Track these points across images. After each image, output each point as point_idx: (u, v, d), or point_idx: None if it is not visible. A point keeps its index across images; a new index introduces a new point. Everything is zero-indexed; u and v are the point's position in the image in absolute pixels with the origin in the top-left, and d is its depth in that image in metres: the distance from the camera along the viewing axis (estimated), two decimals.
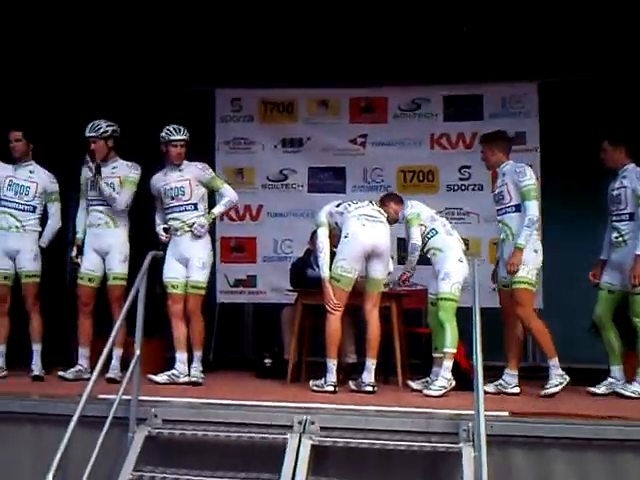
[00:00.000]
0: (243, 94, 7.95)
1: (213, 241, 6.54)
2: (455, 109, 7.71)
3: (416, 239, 5.83)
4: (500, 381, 5.57)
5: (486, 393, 5.08)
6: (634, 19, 6.73)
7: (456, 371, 5.52)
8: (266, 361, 6.43)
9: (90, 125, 5.94)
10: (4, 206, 6.02)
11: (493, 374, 5.43)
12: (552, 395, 5.33)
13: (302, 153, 7.87)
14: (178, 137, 5.93)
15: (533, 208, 5.45)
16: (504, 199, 5.62)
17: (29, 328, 5.95)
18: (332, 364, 5.49)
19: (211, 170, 6.11)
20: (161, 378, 5.62)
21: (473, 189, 7.43)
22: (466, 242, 6.47)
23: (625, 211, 5.58)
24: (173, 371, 5.72)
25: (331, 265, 5.56)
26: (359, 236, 5.51)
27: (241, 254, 7.81)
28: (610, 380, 5.48)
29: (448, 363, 5.48)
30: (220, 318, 7.45)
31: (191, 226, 5.83)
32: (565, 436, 4.39)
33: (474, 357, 4.40)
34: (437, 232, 5.83)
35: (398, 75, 7.59)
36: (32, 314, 5.96)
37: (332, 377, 5.46)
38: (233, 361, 5.96)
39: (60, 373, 5.77)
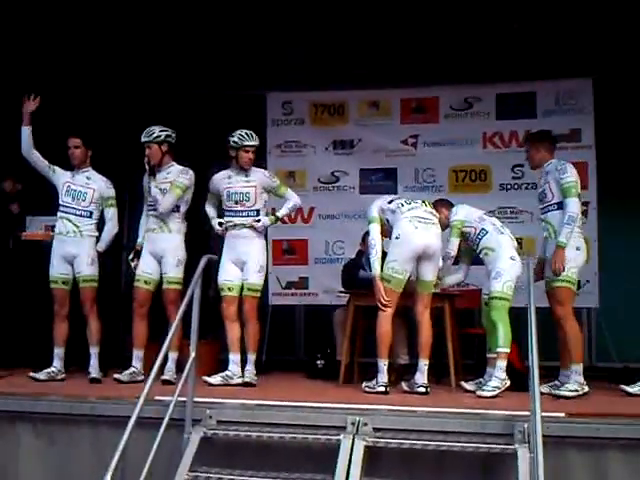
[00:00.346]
0: (294, 97, 8.00)
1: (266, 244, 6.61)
2: (508, 107, 7.63)
3: (451, 249, 5.83)
4: (556, 382, 5.50)
5: (542, 394, 5.11)
6: None
7: (510, 371, 5.45)
8: (318, 362, 6.45)
9: (145, 131, 6.07)
10: (62, 212, 6.15)
11: (549, 375, 5.35)
12: (565, 398, 5.21)
13: (353, 155, 7.88)
14: (251, 143, 6.01)
15: (573, 205, 5.39)
16: (546, 197, 5.57)
17: (87, 332, 6.08)
18: (383, 364, 5.48)
19: (276, 177, 6.18)
20: (215, 380, 5.68)
21: (526, 188, 7.32)
22: (520, 241, 6.41)
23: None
24: (227, 372, 5.78)
25: (382, 264, 5.54)
26: (411, 238, 5.50)
27: (293, 256, 7.86)
28: None
29: (502, 363, 5.42)
30: (272, 320, 7.49)
31: (251, 227, 5.91)
32: (622, 437, 4.32)
33: (530, 357, 4.34)
34: (487, 232, 5.78)
35: (449, 74, 7.55)
36: (90, 318, 6.08)
37: (383, 378, 5.45)
38: (285, 363, 6.00)
39: (115, 376, 5.87)
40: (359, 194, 7.79)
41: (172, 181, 6.03)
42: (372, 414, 4.62)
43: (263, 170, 6.13)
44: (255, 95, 7.89)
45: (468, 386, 5.61)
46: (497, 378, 5.38)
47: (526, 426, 4.26)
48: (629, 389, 5.30)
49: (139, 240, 6.18)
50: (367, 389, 5.47)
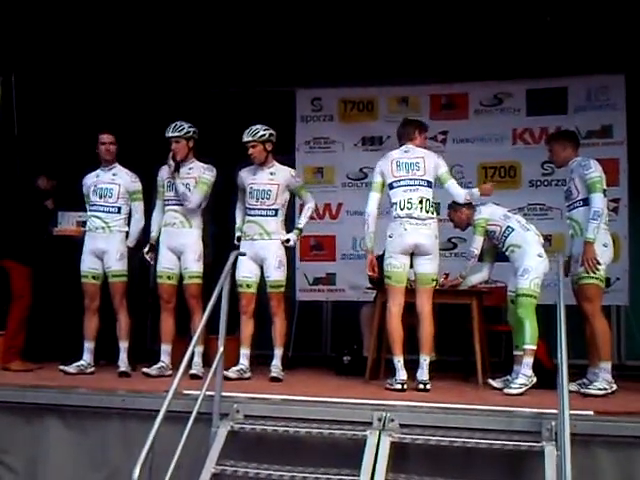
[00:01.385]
0: (323, 94, 8.00)
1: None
2: (538, 103, 7.56)
3: (475, 247, 5.81)
4: (584, 380, 5.47)
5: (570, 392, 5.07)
6: None
7: (538, 369, 5.42)
8: (345, 358, 6.45)
9: (173, 125, 6.10)
10: (92, 210, 6.25)
11: (577, 372, 5.31)
12: (593, 396, 5.17)
13: (382, 151, 7.80)
14: (247, 139, 6.05)
15: (598, 201, 5.35)
16: (572, 194, 5.54)
17: (116, 326, 6.16)
18: (397, 361, 5.47)
19: (301, 177, 6.18)
20: (233, 374, 5.73)
21: (556, 184, 7.22)
22: (548, 238, 6.37)
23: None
24: (241, 367, 5.84)
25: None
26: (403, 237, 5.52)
27: (320, 252, 7.86)
28: None
29: (528, 360, 5.39)
30: (299, 316, 7.51)
31: (269, 234, 5.94)
32: None
33: (558, 355, 4.31)
34: (513, 229, 5.76)
35: (479, 70, 7.51)
36: (119, 312, 6.16)
37: (401, 375, 5.44)
38: (312, 358, 6.02)
39: (144, 370, 5.95)
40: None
41: (197, 178, 6.09)
42: (399, 410, 4.63)
43: (289, 169, 6.14)
44: (284, 92, 7.91)
45: (495, 383, 5.59)
46: (524, 375, 5.36)
47: (554, 424, 4.23)
48: None
49: (153, 234, 6.21)
50: (387, 386, 5.47)
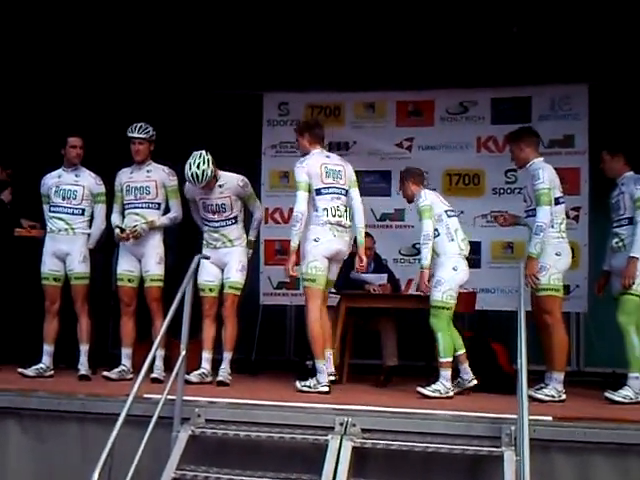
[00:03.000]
0: (290, 98, 7.98)
1: (259, 243, 6.65)
2: (503, 112, 7.63)
3: (427, 230, 5.65)
4: (541, 385, 5.50)
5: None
6: None
7: (499, 374, 5.47)
8: (308, 363, 6.40)
9: (138, 126, 6.05)
10: (54, 211, 6.17)
11: (537, 378, 5.37)
12: (538, 401, 5.22)
13: (348, 157, 7.78)
14: (134, 135, 6.02)
15: (541, 214, 5.39)
16: (526, 201, 5.62)
17: (77, 329, 6.09)
18: (322, 364, 5.48)
19: (250, 186, 6.14)
20: (194, 378, 5.71)
21: (519, 192, 7.24)
22: (511, 245, 6.44)
23: (624, 216, 5.61)
24: (202, 370, 5.83)
25: None
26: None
27: (285, 256, 7.79)
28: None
29: (445, 372, 5.44)
30: (263, 320, 7.51)
31: (232, 241, 5.96)
32: (608, 441, 4.33)
33: (518, 361, 4.36)
34: (439, 234, 5.72)
35: (445, 78, 7.56)
36: (80, 315, 6.10)
37: (323, 378, 5.45)
38: (275, 363, 6.00)
39: (104, 373, 5.90)
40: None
41: (158, 181, 6.07)
42: (361, 415, 4.63)
43: (237, 177, 6.03)
44: (252, 95, 7.89)
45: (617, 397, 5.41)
46: (442, 384, 5.42)
47: (513, 429, 4.26)
48: (614, 397, 5.29)
49: (118, 223, 6.07)
50: (304, 389, 5.44)
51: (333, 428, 4.51)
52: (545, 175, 5.49)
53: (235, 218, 6.00)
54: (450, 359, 5.46)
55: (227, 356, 5.90)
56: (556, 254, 5.41)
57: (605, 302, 5.61)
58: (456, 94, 7.73)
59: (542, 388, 5.41)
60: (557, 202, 5.52)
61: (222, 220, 5.97)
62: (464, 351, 5.61)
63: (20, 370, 5.95)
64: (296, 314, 8.06)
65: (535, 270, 5.33)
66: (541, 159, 5.69)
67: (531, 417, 4.14)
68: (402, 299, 6.29)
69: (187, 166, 5.69)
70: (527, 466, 3.86)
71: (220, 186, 5.90)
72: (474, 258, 6.02)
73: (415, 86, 7.71)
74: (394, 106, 7.87)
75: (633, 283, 5.38)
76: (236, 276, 5.95)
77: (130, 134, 6.04)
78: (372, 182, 7.76)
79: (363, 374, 5.84)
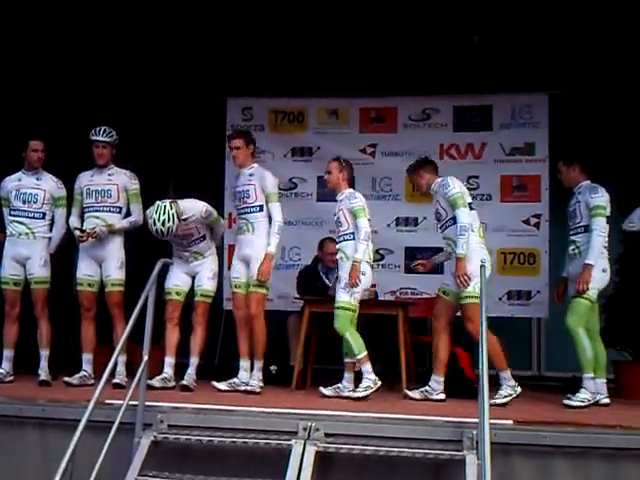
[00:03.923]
0: (254, 103, 8.01)
1: (222, 248, 6.63)
2: (465, 119, 7.74)
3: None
4: (426, 387, 5.60)
5: (411, 399, 5.43)
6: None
7: (461, 379, 5.51)
8: (272, 368, 6.44)
9: (101, 130, 5.99)
10: (14, 215, 6.08)
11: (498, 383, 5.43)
12: (500, 405, 5.30)
13: (312, 162, 7.90)
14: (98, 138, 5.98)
15: (462, 216, 5.50)
16: (441, 216, 5.70)
17: (37, 334, 6.01)
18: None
19: (213, 212, 6.03)
20: (157, 382, 5.67)
21: (481, 199, 7.41)
22: None
23: (580, 224, 5.71)
24: (164, 375, 5.80)
25: None
26: None
27: None
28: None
29: (366, 367, 5.52)
30: (226, 325, 7.46)
31: (203, 254, 5.97)
32: (568, 444, 4.39)
33: (480, 365, 4.41)
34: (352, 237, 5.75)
35: (408, 85, 7.64)
36: (40, 320, 6.01)
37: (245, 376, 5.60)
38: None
39: (65, 379, 5.83)
40: (316, 201, 7.82)
41: (120, 185, 6.01)
42: (324, 420, 4.63)
43: (199, 207, 5.92)
44: (215, 100, 7.88)
45: (412, 394, 5.62)
46: (368, 379, 5.50)
47: (475, 433, 4.30)
48: (572, 403, 5.38)
49: (77, 225, 6.00)
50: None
51: (297, 433, 4.51)
52: (454, 182, 5.64)
53: (203, 237, 6.00)
54: (364, 354, 5.52)
55: (194, 361, 5.87)
56: (481, 261, 5.35)
57: (565, 307, 5.69)
58: (418, 101, 7.81)
59: (498, 391, 5.47)
60: (470, 208, 5.65)
61: (191, 241, 5.97)
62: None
63: None
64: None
65: (464, 270, 5.42)
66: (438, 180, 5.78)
67: (492, 421, 4.18)
68: (364, 305, 6.29)
69: (151, 220, 5.59)
70: (488, 469, 3.89)
71: (185, 219, 5.79)
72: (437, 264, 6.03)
73: (378, 93, 7.77)
74: (357, 112, 7.94)
75: (587, 289, 5.49)
76: (208, 284, 5.94)
77: (94, 137, 5.98)
78: None
79: (327, 379, 5.84)
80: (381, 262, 7.47)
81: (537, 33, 7.12)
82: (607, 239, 5.66)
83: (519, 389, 5.42)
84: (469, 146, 7.66)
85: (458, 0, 6.80)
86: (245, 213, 5.86)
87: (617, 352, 6.24)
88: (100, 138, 5.98)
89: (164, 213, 5.54)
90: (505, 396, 5.38)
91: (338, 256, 5.72)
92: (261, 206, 5.83)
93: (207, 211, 5.89)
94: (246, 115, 8.02)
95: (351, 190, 5.85)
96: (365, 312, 5.83)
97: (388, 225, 7.60)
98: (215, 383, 5.70)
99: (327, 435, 4.52)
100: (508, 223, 7.22)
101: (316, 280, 6.76)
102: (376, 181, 7.77)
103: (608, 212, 5.65)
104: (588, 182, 5.81)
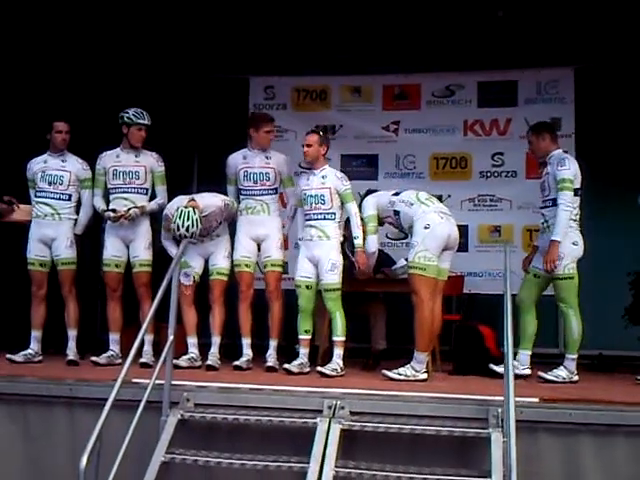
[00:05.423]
0: (276, 82, 7.97)
1: None
2: (489, 95, 7.64)
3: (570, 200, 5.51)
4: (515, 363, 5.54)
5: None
6: None
7: (486, 357, 5.50)
8: (297, 347, 6.45)
9: (143, 113, 6.02)
10: (40, 196, 6.13)
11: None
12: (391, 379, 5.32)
13: (335, 140, 7.73)
14: (144, 121, 6.02)
15: (564, 200, 5.45)
16: (544, 192, 5.68)
17: (65, 314, 6.07)
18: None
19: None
20: (184, 362, 5.72)
21: (506, 176, 7.36)
22: (498, 229, 6.43)
23: (549, 197, 5.61)
24: (191, 355, 5.85)
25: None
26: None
27: None
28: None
29: (339, 351, 5.57)
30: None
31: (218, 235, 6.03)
32: (593, 422, 4.37)
33: (505, 343, 4.40)
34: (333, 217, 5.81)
35: (432, 61, 7.57)
36: (68, 300, 6.07)
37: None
38: (264, 347, 6.00)
39: (93, 358, 5.89)
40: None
41: (147, 167, 6.06)
42: (349, 398, 4.65)
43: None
44: (238, 79, 7.87)
45: (391, 374, 5.48)
46: (336, 362, 5.53)
47: (500, 411, 4.29)
48: (546, 376, 5.34)
49: (103, 207, 6.05)
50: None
51: (322, 411, 4.53)
52: (571, 164, 5.54)
53: (220, 222, 6.02)
54: (344, 339, 5.60)
55: (216, 341, 5.90)
56: (424, 227, 5.42)
57: (594, 285, 5.61)
58: (442, 78, 7.73)
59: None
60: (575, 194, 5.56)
61: (211, 231, 5.98)
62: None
63: (8, 356, 5.93)
64: (285, 299, 8.07)
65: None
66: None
67: (518, 399, 4.18)
68: (392, 283, 6.30)
69: (174, 225, 5.61)
70: (513, 447, 3.90)
71: (205, 216, 5.79)
72: (461, 241, 5.99)
73: (401, 70, 7.72)
74: (380, 90, 7.87)
75: (555, 267, 5.40)
76: (223, 262, 5.97)
77: (137, 120, 6.00)
78: (359, 166, 7.78)
79: (352, 358, 5.86)
80: (405, 240, 7.43)
81: (562, 6, 7.01)
82: (578, 211, 5.57)
83: (422, 376, 5.36)
84: (494, 122, 7.57)
85: None
86: (262, 195, 5.96)
87: None
88: (144, 121, 6.01)
89: (188, 219, 5.58)
90: (400, 374, 5.34)
91: (316, 235, 5.71)
92: (276, 188, 6.03)
93: (226, 205, 5.95)
94: (269, 94, 7.99)
95: (341, 173, 5.95)
96: (394, 291, 5.80)
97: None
98: (175, 361, 5.43)
99: (352, 413, 4.54)
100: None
101: (344, 259, 6.74)
102: (400, 159, 7.72)
103: (577, 184, 5.52)
104: (559, 151, 5.69)
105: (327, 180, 5.80)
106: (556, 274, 5.43)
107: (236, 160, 6.15)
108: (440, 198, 6.75)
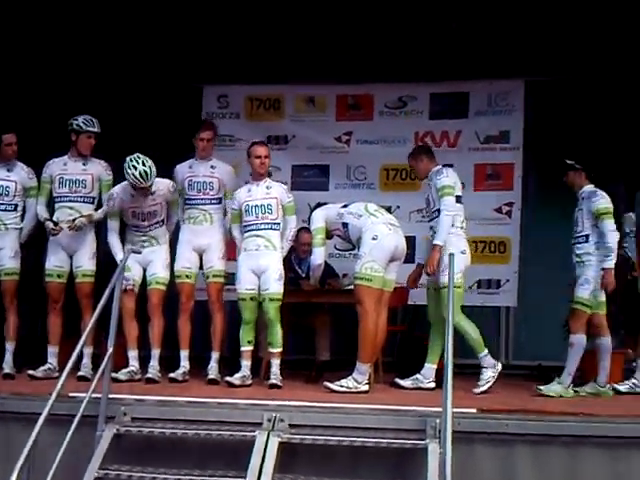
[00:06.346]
0: (230, 91, 7.93)
1: None
2: (441, 107, 7.66)
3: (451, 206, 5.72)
4: (417, 375, 5.63)
5: (403, 388, 5.46)
6: (619, 19, 6.73)
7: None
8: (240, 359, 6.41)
9: (93, 120, 5.97)
10: None
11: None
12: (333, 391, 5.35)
13: (287, 150, 7.84)
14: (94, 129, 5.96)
15: (446, 205, 5.63)
16: (429, 205, 5.88)
17: (4, 326, 5.98)
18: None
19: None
20: (123, 375, 5.67)
21: None
22: None
23: (434, 208, 5.79)
24: (131, 368, 5.79)
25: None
26: (387, 240, 5.52)
27: None
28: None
29: (278, 361, 5.60)
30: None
31: (157, 239, 5.99)
32: (530, 432, 4.41)
33: (445, 355, 4.42)
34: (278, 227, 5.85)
35: (385, 72, 7.58)
36: (8, 312, 5.98)
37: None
38: (206, 359, 5.95)
39: (30, 372, 5.79)
40: (291, 190, 7.75)
41: (95, 175, 5.99)
42: (290, 410, 4.64)
43: (167, 181, 6.01)
44: (192, 88, 7.81)
45: (403, 382, 5.64)
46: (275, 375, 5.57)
47: (438, 422, 4.31)
48: (480, 389, 5.43)
49: (47, 216, 5.96)
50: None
51: (261, 424, 4.51)
52: (448, 172, 5.79)
53: (163, 221, 6.00)
54: (279, 350, 5.63)
55: (155, 353, 5.85)
56: (373, 238, 5.49)
57: (533, 297, 5.69)
58: (395, 88, 7.74)
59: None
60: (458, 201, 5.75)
61: (152, 224, 5.95)
62: None
63: None
64: (230, 310, 8.03)
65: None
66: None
67: (455, 410, 4.20)
68: (337, 294, 6.30)
69: (130, 169, 5.57)
70: (449, 458, 3.91)
71: (153, 193, 5.82)
72: (408, 253, 6.00)
73: (355, 80, 7.71)
74: (334, 100, 7.86)
75: (434, 270, 5.52)
76: (161, 272, 5.92)
77: (87, 127, 5.94)
78: (310, 176, 7.76)
79: (296, 369, 5.85)
80: (353, 251, 7.44)
81: (514, 20, 7.08)
82: (463, 219, 5.72)
83: (363, 388, 5.38)
84: (444, 134, 7.60)
85: None
86: (205, 204, 5.93)
87: None
88: (93, 129, 5.95)
89: (141, 158, 5.59)
90: (342, 386, 5.36)
91: (263, 244, 5.70)
92: (220, 198, 6.00)
93: (173, 186, 5.95)
94: (222, 103, 7.95)
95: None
96: (338, 302, 5.80)
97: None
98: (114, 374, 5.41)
99: (291, 426, 4.52)
100: (480, 211, 7.16)
101: (289, 271, 6.72)
102: (351, 170, 7.71)
103: (457, 191, 5.71)
104: (438, 167, 5.85)
105: (272, 191, 5.81)
106: (444, 283, 5.47)
107: (183, 169, 6.13)
108: (389, 209, 6.80)
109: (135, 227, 5.97)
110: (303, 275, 6.56)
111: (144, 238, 5.95)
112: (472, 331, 5.50)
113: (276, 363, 5.62)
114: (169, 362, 5.94)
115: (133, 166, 5.57)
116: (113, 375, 5.24)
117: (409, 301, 6.72)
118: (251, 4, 7.06)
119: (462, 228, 5.72)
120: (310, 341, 6.38)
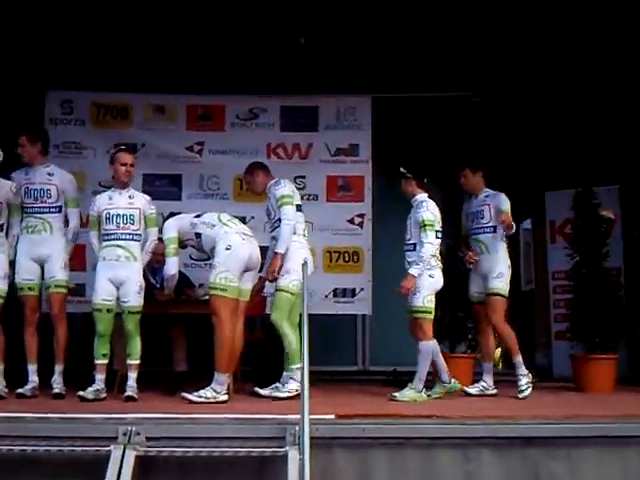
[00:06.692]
0: (74, 96, 7.71)
1: None
2: (292, 120, 7.82)
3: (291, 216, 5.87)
4: (276, 384, 5.71)
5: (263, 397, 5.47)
6: (464, 36, 7.12)
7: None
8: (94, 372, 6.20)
9: None
10: None
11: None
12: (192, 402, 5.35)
13: (137, 159, 7.56)
14: None
15: (286, 214, 5.84)
16: (270, 215, 6.04)
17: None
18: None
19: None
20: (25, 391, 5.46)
21: (308, 199, 7.50)
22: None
23: (274, 218, 5.97)
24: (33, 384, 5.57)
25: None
26: (241, 249, 5.50)
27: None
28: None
29: (135, 374, 5.58)
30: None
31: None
32: (386, 436, 4.52)
33: (302, 361, 4.48)
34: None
35: (236, 84, 7.63)
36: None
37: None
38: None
39: (19, 391, 5.53)
40: None
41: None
42: (146, 423, 4.51)
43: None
44: (35, 92, 7.50)
45: (262, 391, 5.67)
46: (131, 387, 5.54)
47: (297, 429, 4.33)
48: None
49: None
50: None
51: (116, 438, 4.36)
52: (285, 183, 6.01)
53: (59, 209, 5.77)
54: (138, 362, 5.59)
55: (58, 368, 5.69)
56: (226, 248, 5.52)
57: (387, 304, 5.87)
58: (246, 100, 7.83)
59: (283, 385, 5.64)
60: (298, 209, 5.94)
61: (45, 207, 5.69)
62: None
63: None
64: (83, 321, 7.74)
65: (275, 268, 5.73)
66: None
67: (313, 416, 4.25)
68: (194, 305, 6.24)
69: None
70: (307, 464, 3.95)
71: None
72: (263, 262, 6.04)
73: (205, 91, 7.70)
74: (184, 110, 7.84)
75: (276, 278, 5.72)
76: (60, 273, 5.68)
77: None
78: (162, 186, 7.66)
79: (153, 381, 5.73)
80: (209, 261, 7.39)
81: (361, 36, 7.32)
82: (304, 227, 5.96)
83: (222, 398, 5.38)
84: (295, 146, 7.76)
85: (285, 1, 6.86)
86: (43, 212, 5.71)
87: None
88: None
89: None
90: (200, 396, 5.36)
91: (124, 255, 5.58)
92: (60, 207, 5.77)
93: (15, 187, 5.68)
94: (66, 108, 7.71)
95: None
96: (194, 313, 5.74)
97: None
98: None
99: (148, 439, 4.39)
100: (333, 222, 7.37)
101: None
102: (204, 179, 7.71)
103: (296, 200, 5.94)
104: (274, 180, 6.06)
105: (135, 201, 5.69)
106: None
107: (19, 177, 5.85)
108: (244, 220, 6.83)
109: (28, 208, 5.71)
110: (157, 285, 6.44)
111: (39, 222, 5.68)
112: (294, 340, 5.61)
113: (132, 376, 5.49)
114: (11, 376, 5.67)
115: None
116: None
117: (267, 310, 6.75)
118: (98, 9, 6.88)
119: (304, 236, 5.84)
120: (167, 352, 6.25)
